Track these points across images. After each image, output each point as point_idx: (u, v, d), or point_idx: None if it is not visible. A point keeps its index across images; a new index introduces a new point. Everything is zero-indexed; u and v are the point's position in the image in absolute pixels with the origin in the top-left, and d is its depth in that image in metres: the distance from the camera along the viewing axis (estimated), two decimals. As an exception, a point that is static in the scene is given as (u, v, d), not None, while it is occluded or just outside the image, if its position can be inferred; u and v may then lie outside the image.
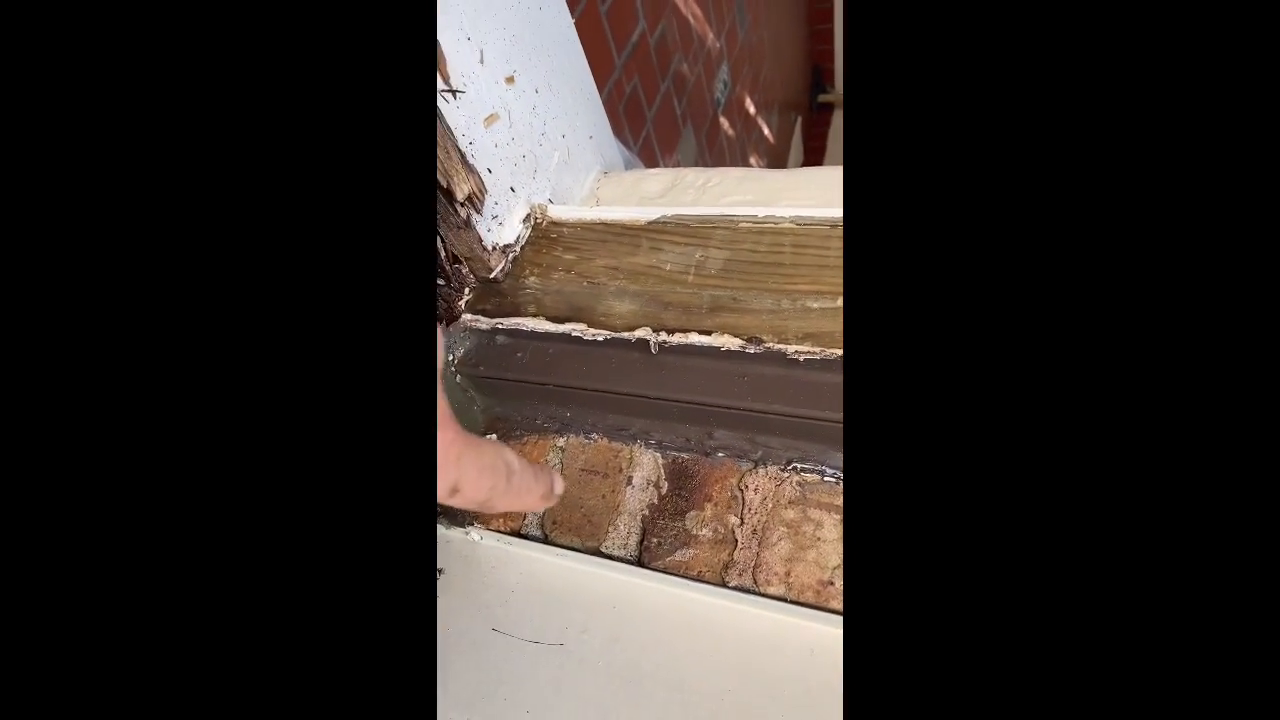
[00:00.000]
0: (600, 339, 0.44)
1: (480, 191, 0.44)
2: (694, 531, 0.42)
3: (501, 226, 0.48)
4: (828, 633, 0.37)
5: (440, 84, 0.40)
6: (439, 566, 0.45)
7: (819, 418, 0.40)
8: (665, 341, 0.42)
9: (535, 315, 0.46)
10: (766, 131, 2.31)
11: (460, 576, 0.45)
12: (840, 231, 0.43)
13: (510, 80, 0.46)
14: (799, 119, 2.69)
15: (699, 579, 0.40)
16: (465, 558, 0.45)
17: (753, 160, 2.21)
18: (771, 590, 0.39)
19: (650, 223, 0.48)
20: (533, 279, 0.48)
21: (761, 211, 0.46)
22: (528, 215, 0.50)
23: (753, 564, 0.40)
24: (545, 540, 0.44)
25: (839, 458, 0.42)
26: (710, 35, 1.79)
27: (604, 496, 0.45)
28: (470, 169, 0.43)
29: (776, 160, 2.45)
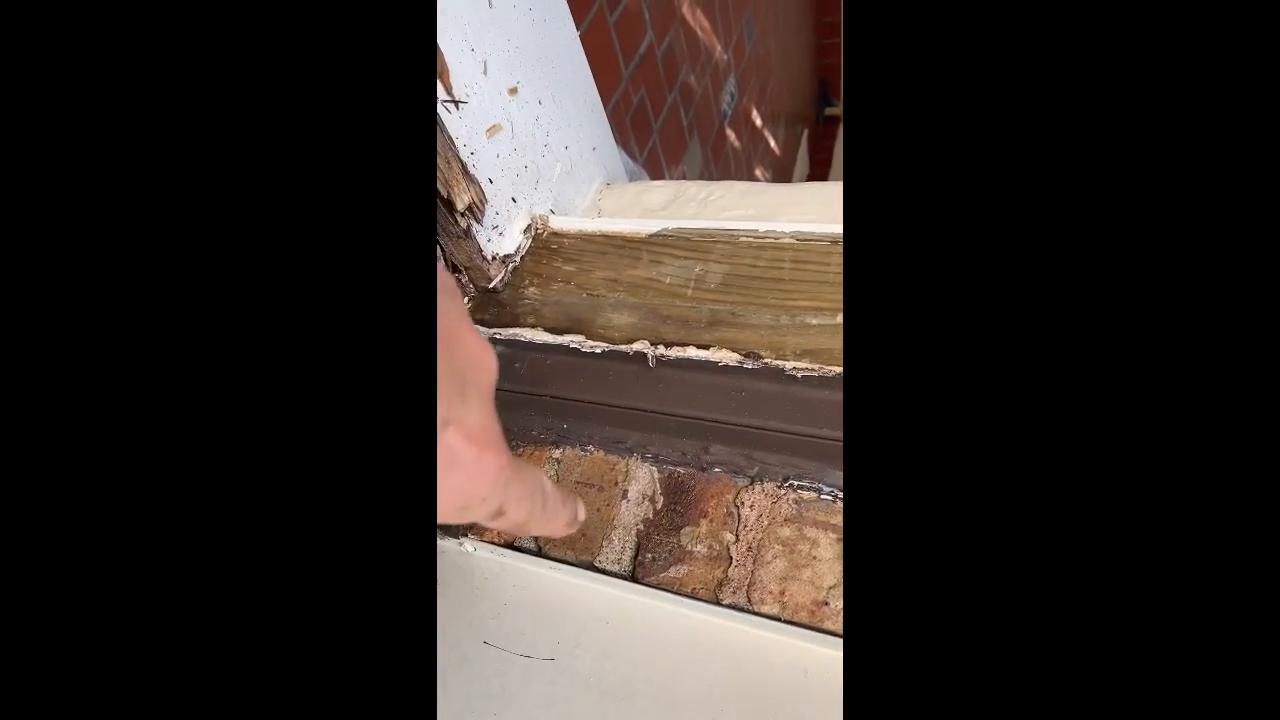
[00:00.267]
0: (598, 351, 0.43)
1: (481, 202, 0.44)
2: (689, 547, 0.42)
3: (502, 237, 0.48)
4: (822, 654, 0.37)
5: (442, 94, 0.40)
6: (432, 577, 0.45)
7: (816, 435, 0.39)
8: (663, 355, 0.42)
9: (534, 326, 0.46)
10: (773, 144, 2.32)
11: (453, 588, 0.44)
12: (839, 248, 0.43)
13: (514, 91, 0.46)
14: (805, 131, 2.69)
15: (693, 596, 0.40)
16: (459, 569, 0.45)
17: (758, 172, 2.22)
18: (766, 609, 0.38)
19: (651, 235, 0.48)
20: (532, 289, 0.48)
21: (762, 226, 0.46)
22: (528, 226, 0.50)
23: (747, 582, 0.39)
24: (539, 553, 0.44)
25: (836, 475, 0.41)
26: (718, 47, 1.80)
27: (599, 510, 0.44)
28: (471, 179, 0.43)
29: (782, 172, 2.45)
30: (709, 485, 0.44)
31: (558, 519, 0.29)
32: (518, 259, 0.49)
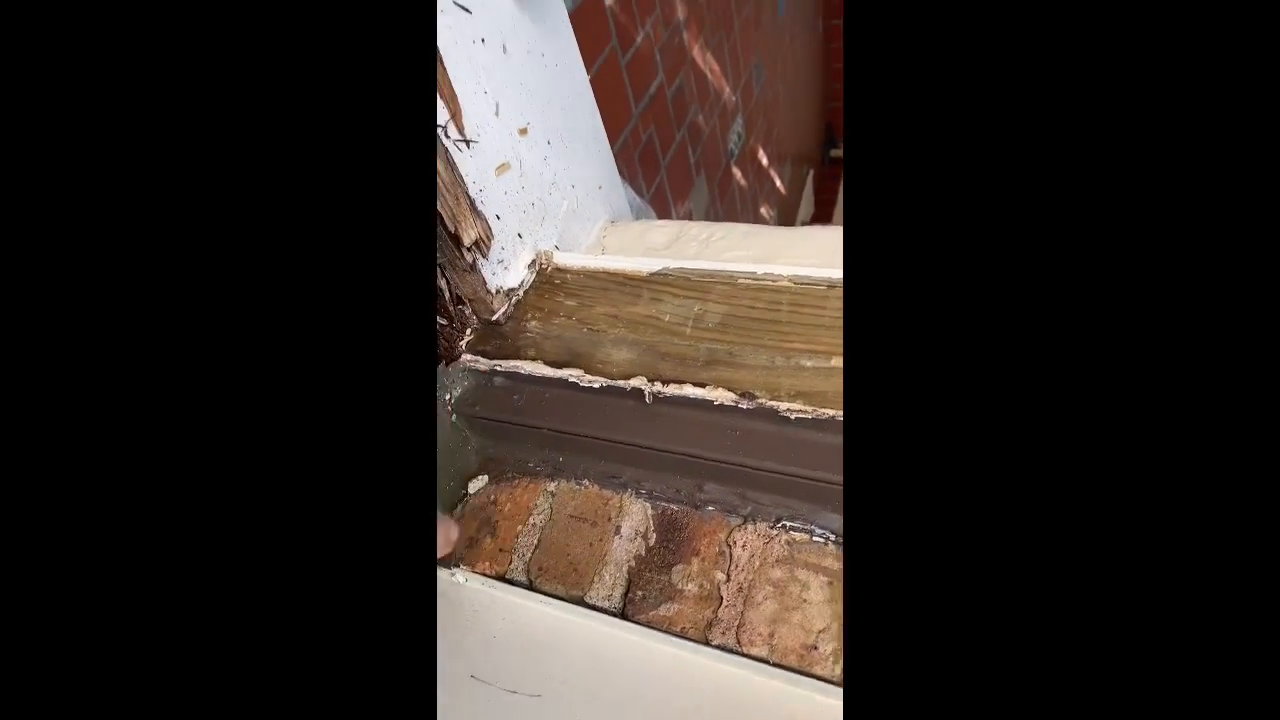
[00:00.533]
0: (596, 386, 0.44)
1: (487, 237, 0.45)
2: (679, 586, 0.42)
3: (506, 271, 0.49)
4: (810, 699, 0.36)
5: (455, 134, 0.42)
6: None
7: (809, 477, 0.40)
8: (660, 392, 0.42)
9: (534, 359, 0.46)
10: (778, 183, 2.36)
11: (443, 618, 0.44)
12: (836, 292, 0.44)
13: (523, 131, 0.48)
14: (811, 172, 2.74)
15: (682, 635, 0.40)
16: (449, 599, 0.45)
17: (763, 210, 2.25)
18: (754, 651, 0.38)
19: (652, 274, 0.49)
20: (534, 323, 0.49)
21: (761, 269, 0.47)
22: (533, 261, 0.51)
23: (736, 623, 0.39)
24: (530, 586, 0.44)
25: (829, 518, 0.42)
26: (727, 89, 1.84)
27: (591, 545, 0.44)
28: (479, 215, 0.44)
29: (787, 211, 2.49)
30: (702, 523, 0.44)
31: None
32: (521, 292, 0.50)
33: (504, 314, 0.49)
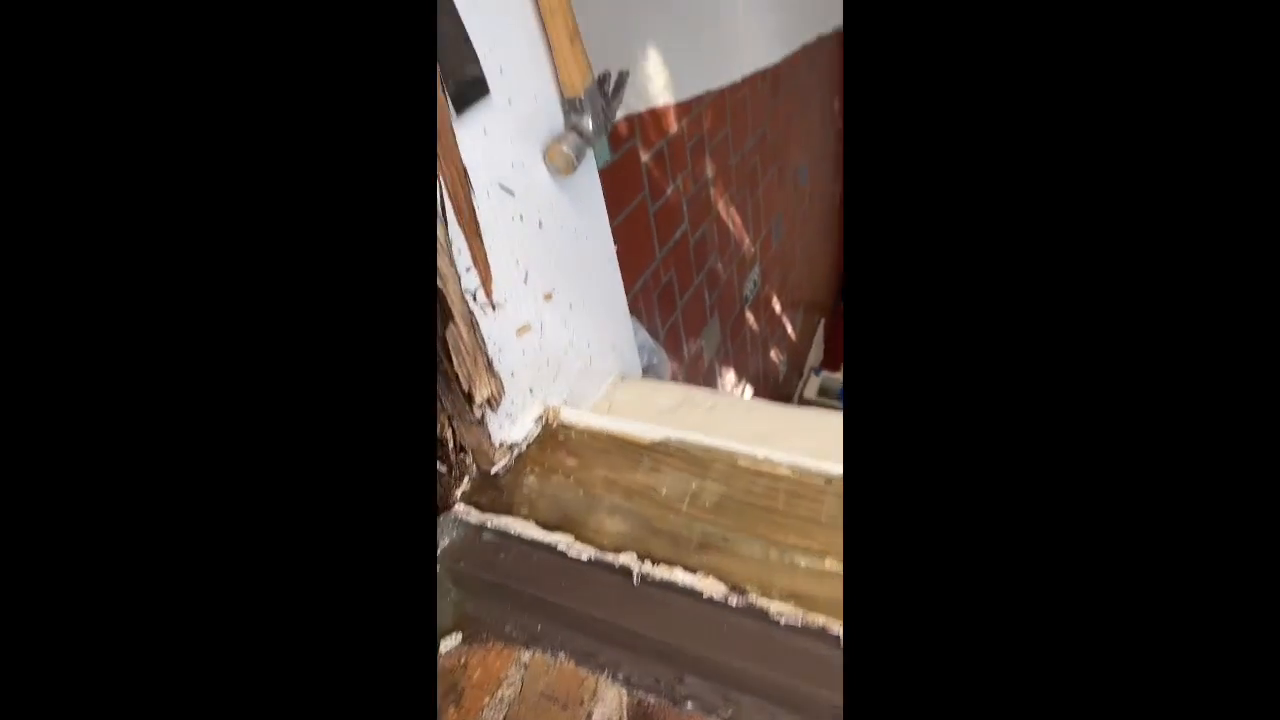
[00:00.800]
0: (584, 558, 0.43)
1: (499, 394, 0.46)
2: (647, 794, 0.38)
3: (513, 424, 0.50)
4: None
5: (483, 298, 0.44)
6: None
7: (795, 685, 0.38)
8: (649, 574, 0.42)
9: (526, 517, 0.46)
10: (790, 330, 2.43)
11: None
12: (833, 488, 0.44)
13: (548, 297, 0.50)
14: (822, 321, 2.83)
15: None
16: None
17: (773, 353, 2.31)
18: None
19: (654, 443, 0.50)
20: (532, 478, 0.49)
21: (761, 452, 0.47)
22: (540, 415, 0.52)
23: None
24: (487, 773, 0.41)
25: (813, 734, 0.39)
26: (747, 240, 1.95)
27: (559, 732, 0.42)
28: (494, 374, 0.46)
29: (796, 357, 2.54)
30: (678, 723, 0.41)
31: None
32: (524, 446, 0.51)
33: (504, 466, 0.49)
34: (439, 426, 0.45)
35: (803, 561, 0.41)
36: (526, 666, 0.45)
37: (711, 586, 0.40)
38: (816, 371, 2.71)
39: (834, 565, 0.40)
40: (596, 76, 0.49)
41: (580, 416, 0.53)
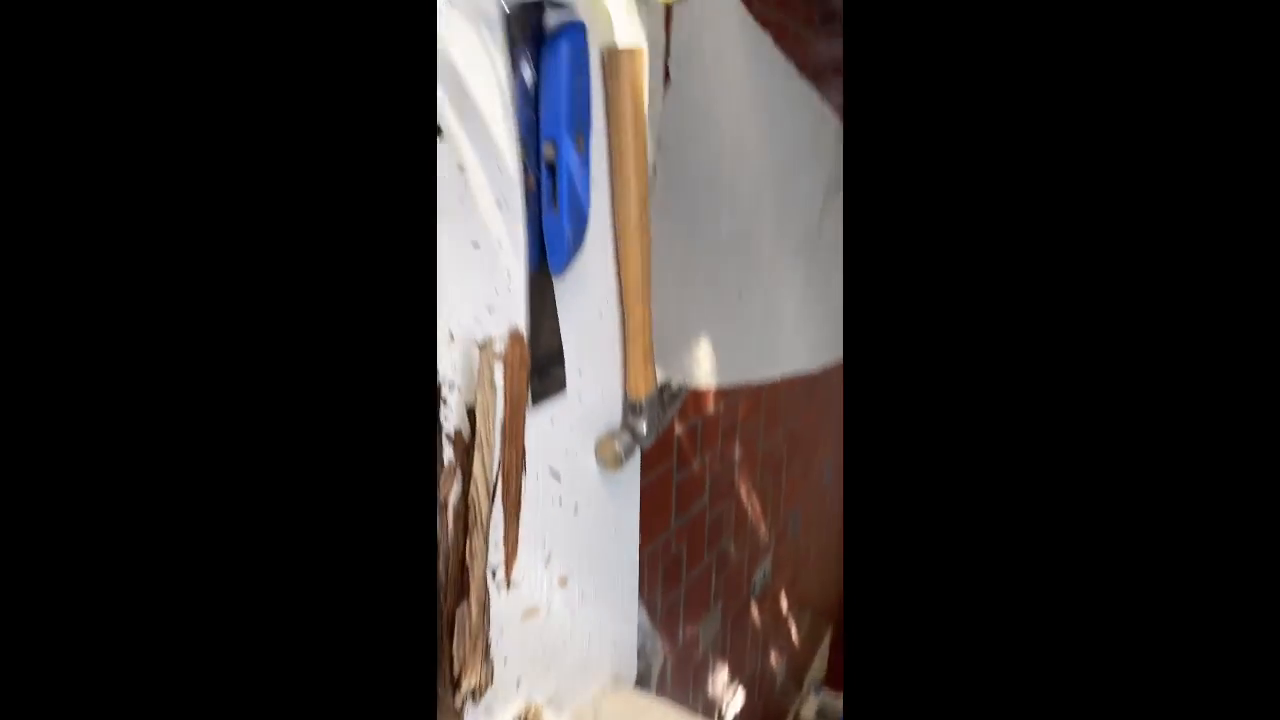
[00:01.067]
0: None
1: (486, 684, 0.43)
2: None
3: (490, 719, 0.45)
4: None
5: (501, 577, 0.43)
6: None
7: None
8: None
9: None
10: (794, 633, 2.26)
11: None
12: None
13: (563, 582, 0.49)
14: (830, 630, 2.64)
15: None
16: None
17: (772, 656, 2.12)
18: None
19: (636, 784, 0.44)
20: (491, 795, 0.43)
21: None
22: (520, 714, 0.48)
23: None
24: None
25: None
26: (763, 529, 1.92)
27: None
28: (488, 661, 0.43)
29: (797, 665, 2.33)
30: None
31: None
32: (493, 747, 0.46)
33: (464, 770, 0.43)
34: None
35: None
36: None
37: None
38: (817, 690, 2.44)
39: None
40: (659, 384, 0.54)
41: (561, 726, 0.48)
